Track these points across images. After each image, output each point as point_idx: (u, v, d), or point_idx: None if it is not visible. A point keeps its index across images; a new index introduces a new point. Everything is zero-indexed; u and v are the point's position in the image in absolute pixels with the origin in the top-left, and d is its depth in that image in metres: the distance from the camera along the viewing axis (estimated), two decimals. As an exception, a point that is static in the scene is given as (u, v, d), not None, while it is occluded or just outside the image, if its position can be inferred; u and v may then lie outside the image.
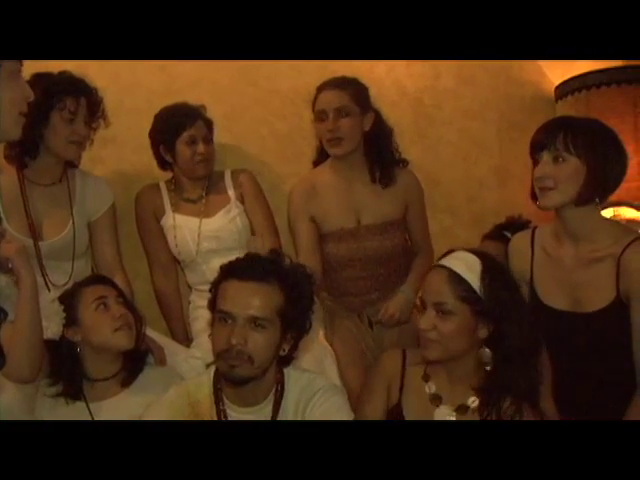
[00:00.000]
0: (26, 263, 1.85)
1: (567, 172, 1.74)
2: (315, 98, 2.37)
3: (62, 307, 1.92)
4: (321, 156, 2.52)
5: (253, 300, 1.63)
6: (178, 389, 1.74)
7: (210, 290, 1.73)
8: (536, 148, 1.80)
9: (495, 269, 1.70)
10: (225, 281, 1.67)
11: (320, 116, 2.35)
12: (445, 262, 1.72)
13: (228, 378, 1.66)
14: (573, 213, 1.79)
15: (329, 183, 2.43)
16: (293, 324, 1.69)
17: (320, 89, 2.37)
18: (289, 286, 1.67)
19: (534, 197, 1.83)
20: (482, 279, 1.66)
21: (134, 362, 1.99)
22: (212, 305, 1.70)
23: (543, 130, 1.80)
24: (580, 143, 1.73)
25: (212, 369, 1.75)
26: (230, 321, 1.63)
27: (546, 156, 1.76)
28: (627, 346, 1.77)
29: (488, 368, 1.70)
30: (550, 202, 1.78)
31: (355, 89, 2.36)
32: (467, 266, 1.69)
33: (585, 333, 1.82)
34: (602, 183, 1.76)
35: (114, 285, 2.03)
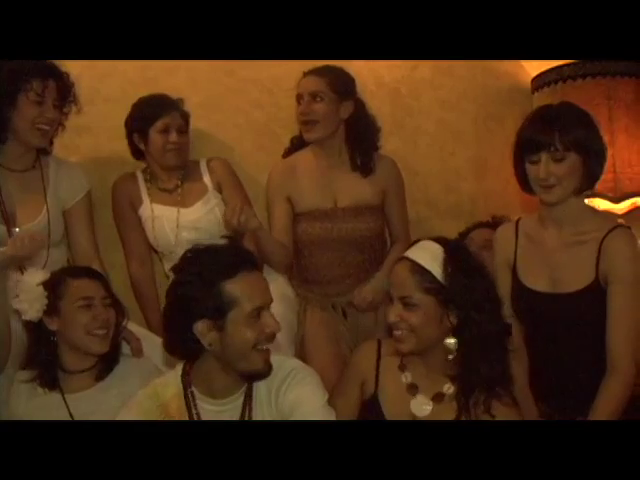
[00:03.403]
0: None
1: (567, 168, 1.79)
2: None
3: (46, 293, 1.87)
4: (293, 146, 2.53)
5: (266, 285, 1.64)
6: (146, 391, 1.68)
7: (202, 295, 1.57)
8: (531, 148, 1.81)
9: (458, 256, 1.71)
10: (232, 278, 1.57)
11: (297, 100, 2.39)
12: (409, 253, 1.74)
13: (265, 367, 1.61)
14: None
15: (309, 165, 2.45)
16: None
17: (304, 75, 2.40)
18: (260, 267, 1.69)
19: (525, 189, 1.88)
20: (444, 267, 1.68)
21: (110, 356, 1.95)
22: (218, 310, 1.56)
23: (538, 130, 1.81)
24: (576, 140, 1.78)
25: (179, 366, 1.69)
26: (259, 312, 1.59)
27: (545, 157, 1.79)
28: (601, 328, 1.80)
29: (450, 357, 1.71)
30: (554, 198, 1.83)
31: (334, 77, 2.37)
32: (431, 255, 1.70)
33: (562, 313, 1.86)
34: (596, 172, 1.83)
35: (103, 282, 1.97)
